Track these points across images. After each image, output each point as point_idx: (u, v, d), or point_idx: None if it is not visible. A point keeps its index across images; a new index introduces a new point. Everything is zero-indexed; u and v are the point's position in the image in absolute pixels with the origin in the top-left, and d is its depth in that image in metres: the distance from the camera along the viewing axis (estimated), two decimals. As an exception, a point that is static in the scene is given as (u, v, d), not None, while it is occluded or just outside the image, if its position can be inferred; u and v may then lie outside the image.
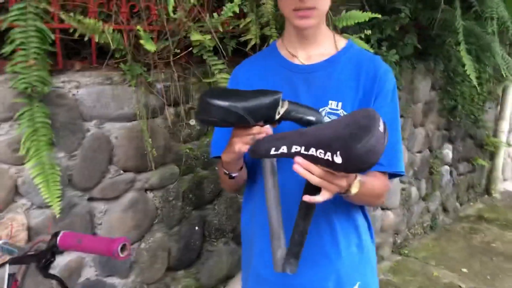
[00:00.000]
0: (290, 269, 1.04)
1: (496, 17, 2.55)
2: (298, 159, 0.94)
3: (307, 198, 0.98)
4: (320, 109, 1.17)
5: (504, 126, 4.77)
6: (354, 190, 1.01)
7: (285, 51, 1.26)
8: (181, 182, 1.92)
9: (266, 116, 1.02)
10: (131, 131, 1.69)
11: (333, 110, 1.17)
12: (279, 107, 1.02)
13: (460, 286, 3.09)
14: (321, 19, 1.19)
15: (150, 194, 1.83)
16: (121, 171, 1.70)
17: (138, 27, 1.59)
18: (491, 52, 2.96)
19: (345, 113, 1.16)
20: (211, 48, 1.81)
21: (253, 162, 1.26)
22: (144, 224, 1.81)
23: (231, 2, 1.76)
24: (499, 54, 2.83)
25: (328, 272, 1.20)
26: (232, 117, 0.98)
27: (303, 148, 0.93)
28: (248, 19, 1.84)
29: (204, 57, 1.81)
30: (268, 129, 1.03)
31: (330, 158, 0.90)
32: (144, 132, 1.68)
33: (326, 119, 1.15)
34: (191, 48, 1.77)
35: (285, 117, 1.03)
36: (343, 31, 2.11)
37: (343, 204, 1.19)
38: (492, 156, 4.85)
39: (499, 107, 4.76)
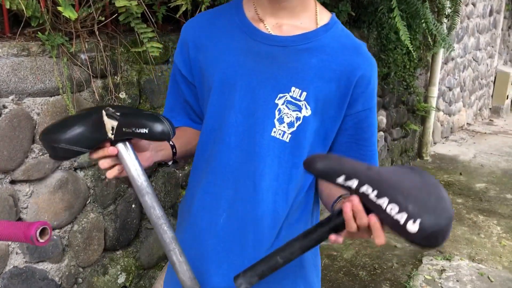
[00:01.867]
0: (244, 286, 0.89)
1: (426, -17, 2.59)
2: (354, 200, 0.80)
3: (333, 237, 0.85)
4: (280, 95, 0.98)
5: (434, 91, 4.97)
6: None
7: (252, 12, 1.02)
8: (114, 159, 1.82)
9: (98, 139, 0.89)
10: (54, 106, 1.56)
11: (294, 99, 0.98)
12: (108, 125, 0.88)
13: (395, 246, 3.23)
14: None
15: (80, 173, 1.72)
16: (46, 150, 1.58)
17: (56, -8, 1.45)
18: (421, 18, 3.03)
19: (308, 106, 0.98)
20: (139, 15, 1.70)
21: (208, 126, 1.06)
22: (76, 205, 1.71)
23: (159, -35, 1.65)
24: (430, 20, 2.90)
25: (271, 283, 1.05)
26: (60, 152, 0.89)
27: (375, 192, 0.79)
28: (177, -16, 1.74)
29: (132, 24, 1.69)
30: (109, 151, 0.89)
31: (401, 221, 0.76)
32: (69, 107, 1.56)
33: (283, 109, 0.98)
34: (116, 15, 1.65)
35: (121, 133, 0.88)
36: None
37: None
38: (423, 121, 5.06)
39: (429, 73, 4.95)
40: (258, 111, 0.98)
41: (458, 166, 5.01)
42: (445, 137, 5.93)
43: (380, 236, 0.80)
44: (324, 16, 1.03)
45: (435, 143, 5.61)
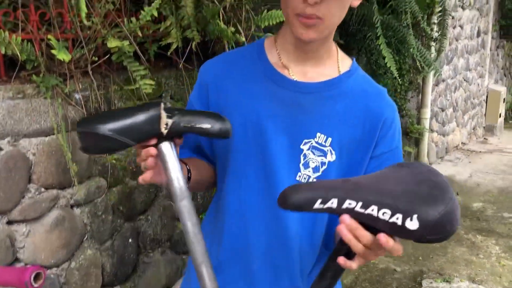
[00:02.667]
0: None
1: (409, 11, 2.68)
2: (345, 218, 0.75)
3: (342, 260, 0.79)
4: (305, 141, 0.98)
5: (426, 113, 5.03)
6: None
7: (275, 57, 1.02)
8: (109, 194, 1.84)
9: (148, 133, 0.85)
10: (50, 146, 1.59)
11: (319, 145, 0.98)
12: (164, 120, 0.85)
13: (395, 270, 3.22)
14: (328, 34, 0.97)
15: (76, 210, 1.74)
16: (42, 189, 1.60)
17: (49, 36, 1.50)
18: (407, 44, 3.11)
19: (333, 151, 0.99)
20: (131, 54, 1.75)
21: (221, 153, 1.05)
22: (73, 242, 1.72)
23: (150, 6, 1.70)
24: (414, 46, 2.97)
25: None
26: (103, 142, 0.83)
27: (360, 204, 0.74)
28: (168, 22, 1.80)
29: (125, 63, 1.74)
30: (152, 149, 0.85)
31: (399, 222, 0.72)
32: (63, 146, 1.59)
33: (309, 154, 0.98)
34: (109, 55, 1.70)
35: (177, 129, 0.86)
36: (266, 30, 2.12)
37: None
38: (417, 142, 5.10)
39: (420, 95, 5.02)
40: (283, 156, 0.99)
41: (455, 186, 5.03)
42: (440, 157, 5.96)
43: (393, 248, 0.75)
44: (345, 62, 1.05)
45: (430, 163, 5.64)
